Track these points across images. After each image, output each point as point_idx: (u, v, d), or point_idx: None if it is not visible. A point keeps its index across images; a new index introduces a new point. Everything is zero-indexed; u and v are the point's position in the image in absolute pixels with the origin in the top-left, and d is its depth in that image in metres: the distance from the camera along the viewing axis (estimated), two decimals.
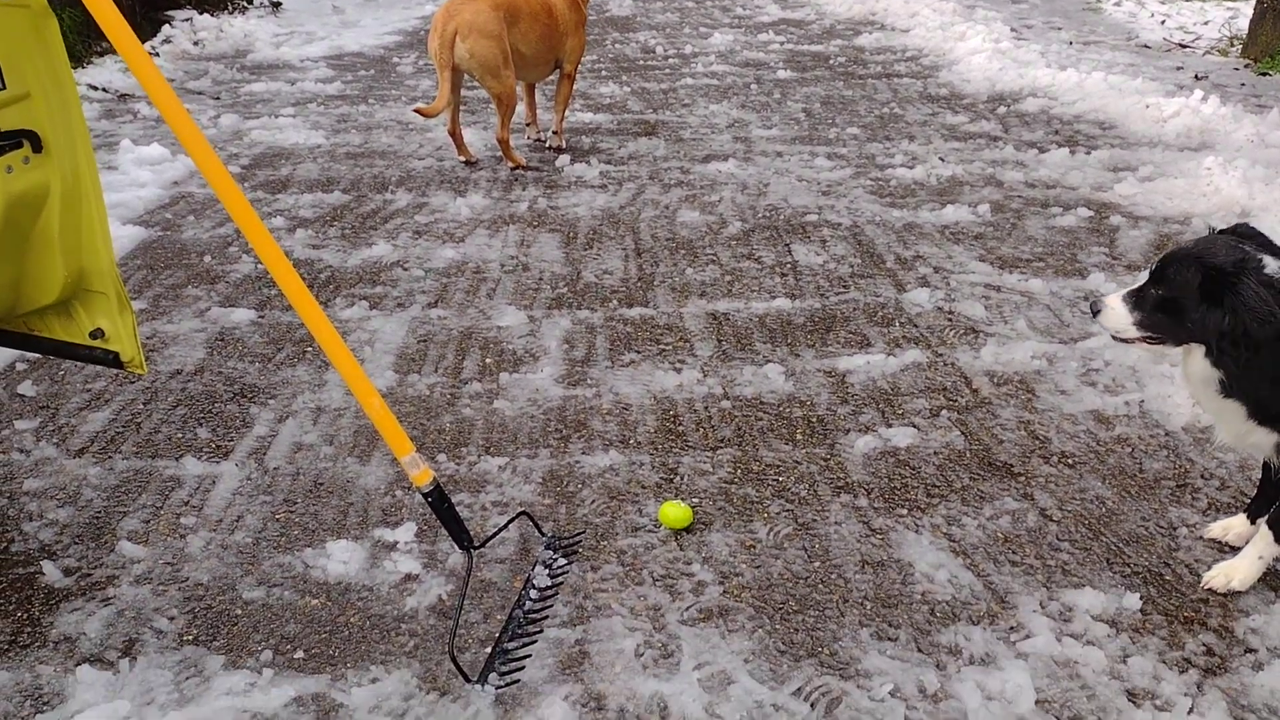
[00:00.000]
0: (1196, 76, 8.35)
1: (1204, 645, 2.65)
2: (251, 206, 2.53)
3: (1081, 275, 4.71)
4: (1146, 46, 9.88)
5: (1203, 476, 3.34)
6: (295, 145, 6.65)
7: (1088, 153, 6.30)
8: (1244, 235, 2.67)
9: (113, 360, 3.03)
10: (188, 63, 9.30)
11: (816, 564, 2.97)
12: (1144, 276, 2.74)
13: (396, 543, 3.05)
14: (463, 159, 6.38)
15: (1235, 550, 2.97)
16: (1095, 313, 2.78)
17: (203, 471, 3.39)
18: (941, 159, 6.32)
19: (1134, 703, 2.48)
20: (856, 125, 7.10)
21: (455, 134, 6.29)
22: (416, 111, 5.90)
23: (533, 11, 6.11)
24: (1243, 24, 10.27)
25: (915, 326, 4.33)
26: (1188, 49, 9.81)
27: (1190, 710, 2.45)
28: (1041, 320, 4.34)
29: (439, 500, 2.71)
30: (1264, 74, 8.49)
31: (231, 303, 4.52)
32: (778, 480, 3.35)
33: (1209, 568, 2.90)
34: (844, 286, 4.69)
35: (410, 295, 4.64)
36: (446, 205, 5.67)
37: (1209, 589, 2.86)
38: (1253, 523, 2.99)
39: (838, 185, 5.94)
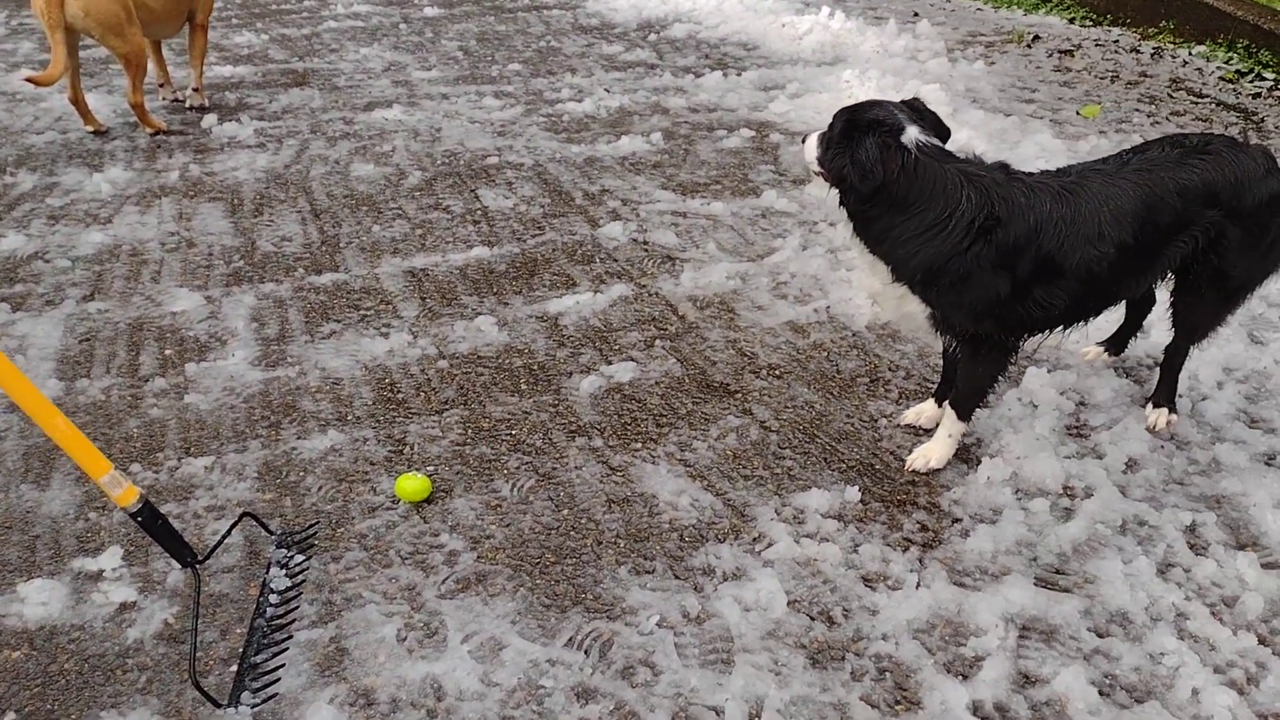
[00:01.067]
0: None
1: (918, 523, 2.92)
2: None
3: (756, 194, 4.97)
4: None
5: (890, 369, 3.66)
6: None
7: (739, 74, 6.62)
8: (914, 108, 2.91)
9: None
10: None
11: (565, 512, 2.96)
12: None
13: (102, 571, 2.71)
14: (90, 129, 5.66)
15: (929, 433, 3.28)
16: (804, 141, 2.96)
17: None
18: (607, 90, 6.40)
19: (870, 587, 2.69)
20: (517, 61, 7.02)
21: (78, 102, 5.54)
22: (28, 80, 5.10)
23: None
24: None
25: (615, 261, 4.38)
26: None
27: (918, 585, 2.69)
28: (729, 241, 4.54)
29: (150, 517, 2.43)
30: None
31: None
32: (511, 434, 3.30)
33: (910, 452, 3.19)
34: (539, 228, 4.66)
35: (59, 290, 4.08)
36: (82, 183, 5.01)
37: (912, 470, 3.15)
38: (940, 406, 3.32)
39: (511, 125, 5.86)
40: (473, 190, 5.02)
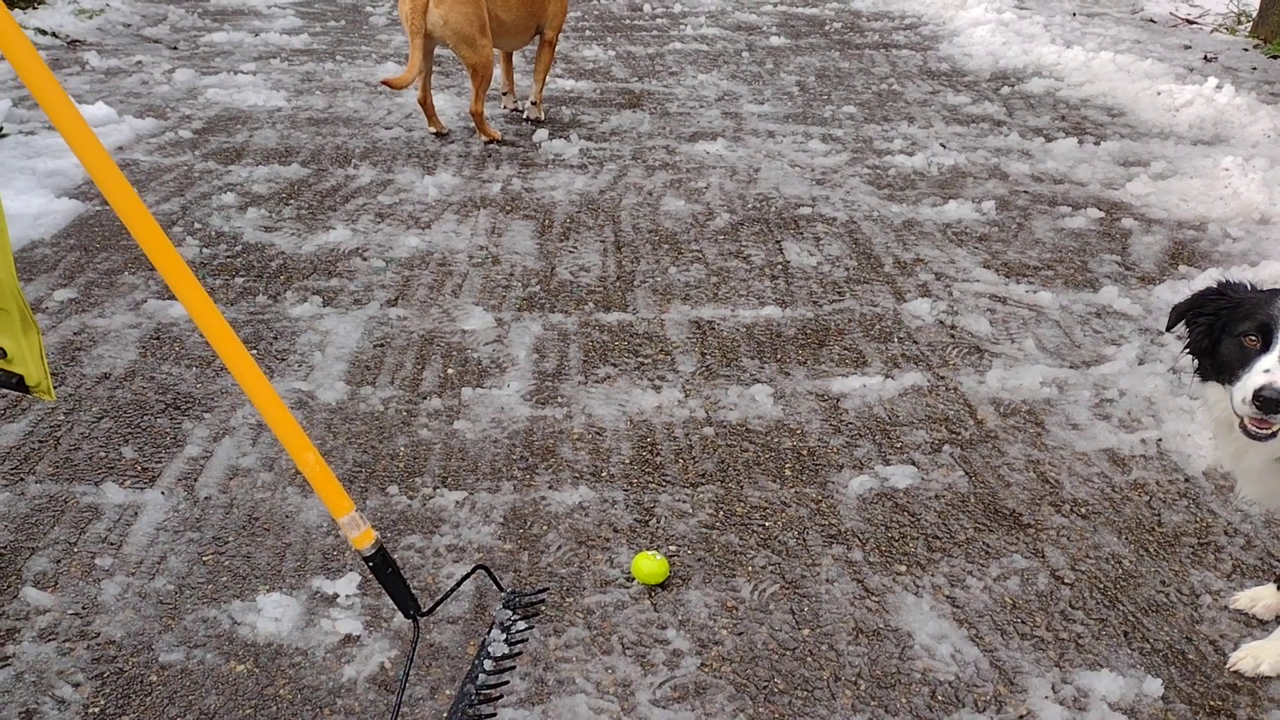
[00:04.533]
0: (1206, 58, 7.99)
1: None
2: (151, 217, 2.15)
3: (1093, 288, 4.39)
4: (1152, 21, 9.50)
5: (1226, 533, 3.06)
6: (254, 108, 6.20)
7: (1096, 143, 5.96)
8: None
9: (16, 384, 2.66)
10: (146, 5, 8.76)
11: (805, 631, 2.67)
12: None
13: (336, 595, 2.72)
14: (433, 130, 5.96)
15: (1266, 627, 2.70)
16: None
17: (124, 500, 3.04)
18: (943, 145, 5.96)
19: None
20: (853, 103, 6.71)
21: (426, 103, 5.86)
22: (385, 84, 5.46)
23: None
24: None
25: (915, 343, 4.00)
26: (1195, 25, 9.44)
27: None
28: (1051, 339, 4.03)
29: (381, 564, 2.38)
30: (1275, 56, 8.14)
31: (170, 294, 4.13)
32: (764, 526, 3.04)
33: (1236, 645, 2.63)
34: (839, 293, 4.36)
35: (368, 290, 4.27)
36: (413, 184, 5.27)
37: (1235, 671, 2.59)
38: None
39: (833, 173, 5.58)
40: (777, 241, 4.79)
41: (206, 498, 3.07)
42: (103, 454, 3.24)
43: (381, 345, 3.90)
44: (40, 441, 3.28)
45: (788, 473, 3.28)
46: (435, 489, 3.15)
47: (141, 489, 3.09)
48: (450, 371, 3.76)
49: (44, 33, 7.58)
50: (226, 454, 3.26)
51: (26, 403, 3.42)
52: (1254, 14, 9.13)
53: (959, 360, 3.90)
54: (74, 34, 7.73)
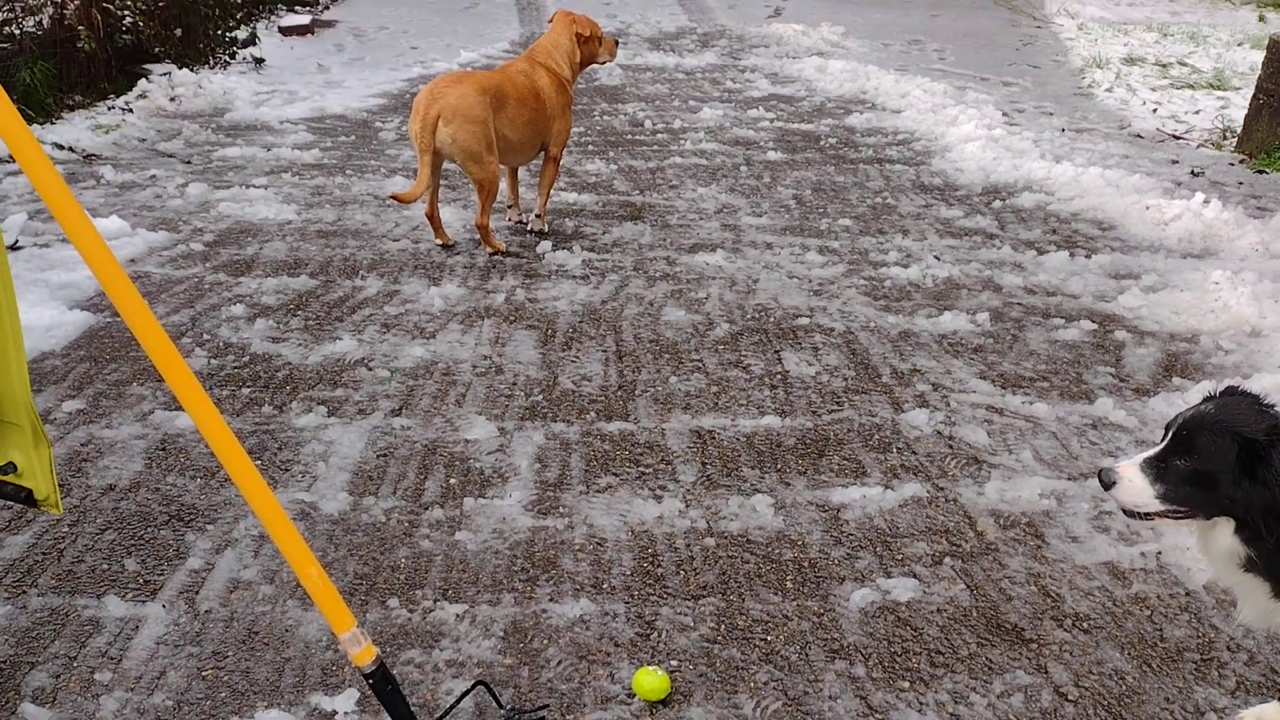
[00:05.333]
0: (1193, 172, 8.20)
1: None
2: (161, 329, 2.21)
3: (1089, 399, 4.45)
4: (1140, 136, 9.77)
5: (1229, 648, 3.04)
6: (264, 220, 6.35)
7: (1088, 256, 6.08)
8: (1250, 399, 2.49)
9: (25, 498, 2.70)
10: (162, 120, 9.03)
11: None
12: (1158, 440, 2.51)
13: (335, 713, 2.70)
14: (440, 242, 6.10)
15: None
16: (1108, 485, 2.52)
17: (126, 613, 3.04)
18: (937, 257, 6.09)
19: None
20: (849, 215, 6.87)
21: (433, 217, 6.01)
22: (393, 198, 5.62)
23: (520, 96, 5.87)
24: (1233, 114, 10.20)
25: (914, 453, 4.04)
26: (1181, 140, 9.71)
27: None
28: (1048, 451, 4.06)
29: (382, 681, 2.38)
30: (1260, 171, 8.36)
31: (177, 405, 4.18)
32: (765, 640, 3.03)
33: None
34: (837, 403, 4.41)
35: (373, 400, 4.32)
36: (419, 294, 5.37)
37: None
38: None
39: (830, 284, 5.69)
40: (776, 351, 4.86)
41: (207, 611, 3.07)
42: (105, 566, 3.25)
43: (385, 455, 3.94)
44: (44, 553, 3.29)
45: (789, 585, 3.28)
46: (436, 602, 3.15)
47: (143, 602, 3.09)
48: (452, 481, 3.79)
49: (61, 147, 7.81)
50: (228, 566, 3.27)
51: (32, 514, 3.44)
52: (1238, 130, 9.40)
53: (958, 471, 3.93)
54: (90, 148, 7.95)
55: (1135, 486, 2.47)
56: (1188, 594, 3.28)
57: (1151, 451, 2.49)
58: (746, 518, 3.62)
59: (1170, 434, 2.46)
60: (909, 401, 4.43)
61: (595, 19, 6.53)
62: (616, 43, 6.41)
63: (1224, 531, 2.44)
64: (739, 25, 13.69)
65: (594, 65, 6.80)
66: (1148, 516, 2.52)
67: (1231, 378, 4.57)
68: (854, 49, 12.62)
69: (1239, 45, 13.07)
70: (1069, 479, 3.88)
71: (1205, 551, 2.55)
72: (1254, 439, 2.31)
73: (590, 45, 6.35)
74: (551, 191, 6.63)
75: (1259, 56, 9.53)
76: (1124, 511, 2.54)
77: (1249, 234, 6.17)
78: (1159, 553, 3.46)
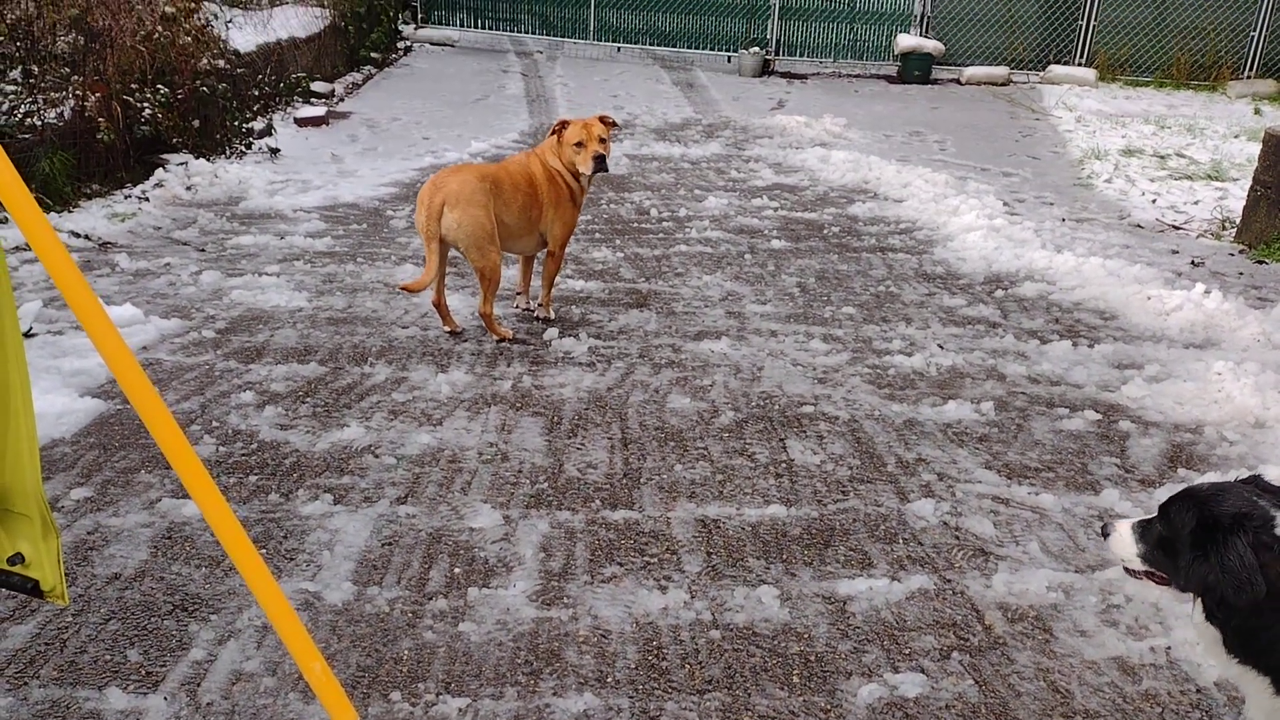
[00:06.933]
0: (1193, 262, 8.29)
1: None
2: (170, 416, 2.25)
3: (1094, 490, 4.44)
4: (1139, 226, 9.89)
5: None
6: (276, 308, 6.44)
7: (1090, 346, 6.12)
8: (1262, 487, 2.53)
9: (31, 589, 2.70)
10: (177, 209, 9.19)
11: None
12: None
13: None
14: (448, 329, 6.17)
15: None
16: (1105, 534, 2.71)
17: (127, 706, 3.02)
18: (941, 346, 6.14)
19: None
20: (852, 304, 6.94)
21: (441, 305, 6.09)
22: (403, 289, 5.71)
23: (514, 182, 6.06)
24: (1231, 204, 10.34)
25: (920, 544, 4.03)
26: (1181, 230, 9.83)
27: None
28: (1055, 543, 4.05)
29: None
30: (1260, 262, 8.45)
31: (185, 493, 4.20)
32: None
33: None
34: (843, 492, 4.41)
35: (379, 488, 4.33)
36: (427, 381, 5.41)
37: None
38: None
39: (834, 372, 5.73)
40: (781, 439, 4.88)
41: (209, 703, 3.05)
42: (108, 657, 3.23)
43: (390, 544, 3.94)
44: (47, 644, 3.27)
45: (795, 680, 3.25)
46: (438, 695, 3.12)
47: (144, 694, 3.07)
48: (457, 570, 3.78)
49: (77, 235, 7.94)
50: (231, 657, 3.25)
51: (36, 604, 3.43)
52: (1237, 220, 9.52)
53: (965, 563, 3.92)
54: (106, 236, 8.09)
55: (1123, 542, 2.65)
56: (1199, 690, 3.24)
57: (1150, 515, 2.64)
58: (752, 609, 3.60)
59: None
60: (914, 491, 4.43)
61: (606, 119, 6.48)
62: (597, 158, 6.25)
63: (1198, 609, 2.50)
64: (743, 117, 13.98)
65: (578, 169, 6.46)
66: (1135, 574, 2.67)
67: (1237, 469, 4.57)
68: (856, 140, 12.86)
69: (1235, 137, 13.30)
70: (1076, 571, 3.86)
71: (1197, 631, 2.57)
72: (1216, 517, 2.37)
73: (567, 149, 6.24)
74: (556, 283, 6.71)
75: (1255, 148, 9.70)
76: (1122, 566, 2.70)
77: (1250, 325, 6.22)
78: (1169, 648, 3.43)
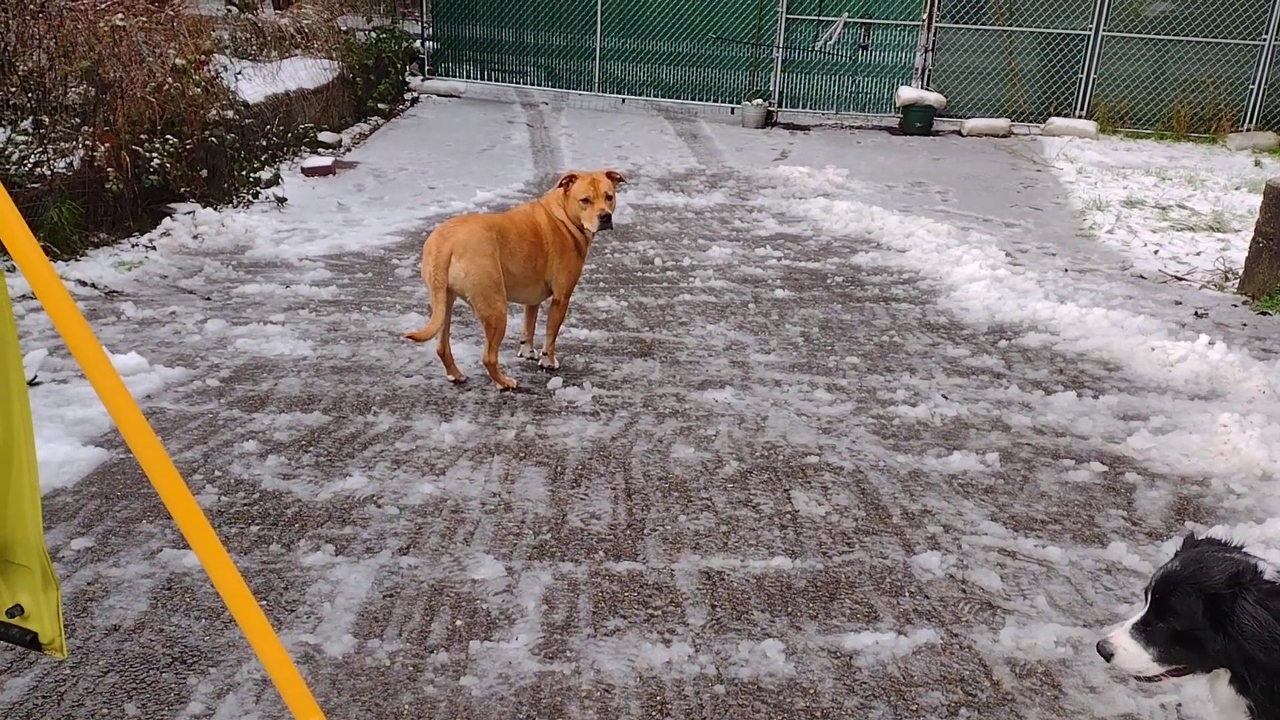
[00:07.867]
0: (1197, 314, 8.30)
1: None
2: (172, 465, 2.25)
3: (1101, 543, 4.41)
4: (1142, 277, 9.92)
5: None
6: (280, 356, 6.45)
7: (1095, 397, 6.11)
8: (1211, 543, 2.55)
9: (30, 641, 2.68)
10: (184, 258, 9.25)
11: None
12: (1142, 604, 2.61)
13: None
14: (452, 378, 6.18)
15: None
16: (1107, 656, 2.57)
17: None
18: (945, 396, 6.13)
19: None
20: (856, 353, 6.95)
21: (445, 354, 6.10)
22: (409, 338, 5.73)
23: (519, 231, 6.12)
24: (1234, 255, 10.37)
25: (926, 598, 3.99)
26: (1183, 281, 9.85)
27: None
28: (1063, 596, 4.01)
29: None
30: (1264, 313, 8.46)
31: (186, 544, 4.18)
32: None
33: None
34: (848, 544, 4.38)
35: (381, 538, 4.31)
36: (430, 431, 5.41)
37: None
38: None
39: (839, 422, 5.71)
40: (786, 490, 4.86)
41: None
42: (105, 710, 3.19)
43: (391, 595, 3.90)
44: (44, 697, 3.24)
45: None
46: None
47: None
48: (459, 623, 3.74)
49: (84, 284, 7.99)
50: (229, 711, 3.21)
51: (34, 656, 3.40)
52: (1240, 272, 9.55)
53: (972, 617, 3.88)
54: (112, 285, 8.13)
55: (1131, 654, 2.53)
56: None
57: (1137, 616, 2.54)
58: (757, 664, 3.56)
59: (1148, 596, 2.52)
60: (920, 543, 4.40)
61: (614, 174, 6.49)
62: (603, 217, 6.28)
63: (1224, 681, 2.46)
64: (746, 167, 14.10)
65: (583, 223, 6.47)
66: (1155, 679, 2.56)
67: (1244, 522, 4.54)
68: (859, 190, 12.95)
69: (1236, 189, 13.37)
70: (1084, 625, 3.82)
71: (1216, 703, 2.53)
72: (1216, 593, 2.35)
73: (573, 202, 6.27)
74: (560, 332, 6.73)
75: (1257, 200, 9.76)
76: (1134, 677, 2.58)
77: (1255, 376, 6.21)
78: (1179, 704, 3.38)
